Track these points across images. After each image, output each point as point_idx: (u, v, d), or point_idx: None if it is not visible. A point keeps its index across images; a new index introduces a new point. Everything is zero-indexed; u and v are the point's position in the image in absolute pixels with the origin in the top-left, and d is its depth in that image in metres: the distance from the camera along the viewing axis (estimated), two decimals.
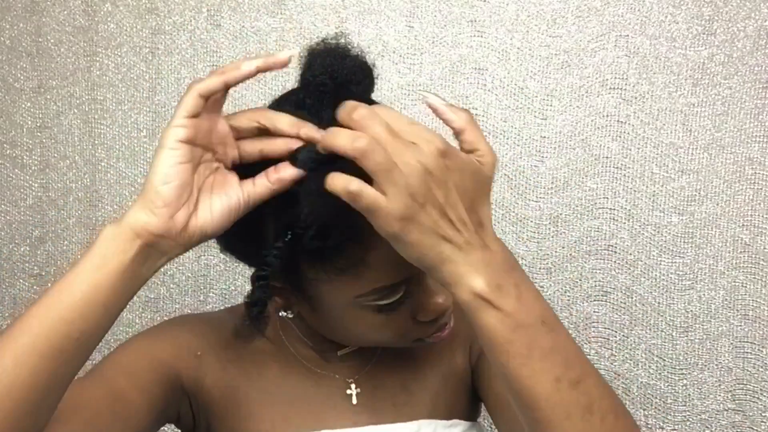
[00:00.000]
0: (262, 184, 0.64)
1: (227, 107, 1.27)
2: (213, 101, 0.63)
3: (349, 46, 0.69)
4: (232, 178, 0.65)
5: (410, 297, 0.71)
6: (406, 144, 0.57)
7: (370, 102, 0.68)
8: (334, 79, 0.67)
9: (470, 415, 0.87)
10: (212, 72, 0.63)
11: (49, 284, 1.23)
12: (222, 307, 1.22)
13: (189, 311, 1.23)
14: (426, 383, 0.84)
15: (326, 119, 0.64)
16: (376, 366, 0.84)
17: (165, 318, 1.22)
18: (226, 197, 0.64)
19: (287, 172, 0.64)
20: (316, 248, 0.64)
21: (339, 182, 0.58)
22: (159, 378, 0.77)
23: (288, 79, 1.18)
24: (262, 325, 0.69)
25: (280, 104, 0.69)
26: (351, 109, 0.59)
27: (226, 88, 0.63)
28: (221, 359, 0.82)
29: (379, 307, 0.70)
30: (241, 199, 0.64)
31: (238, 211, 0.64)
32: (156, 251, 0.61)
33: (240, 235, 0.67)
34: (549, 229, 1.18)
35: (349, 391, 0.82)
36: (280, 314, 0.79)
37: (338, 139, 0.58)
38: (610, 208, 1.17)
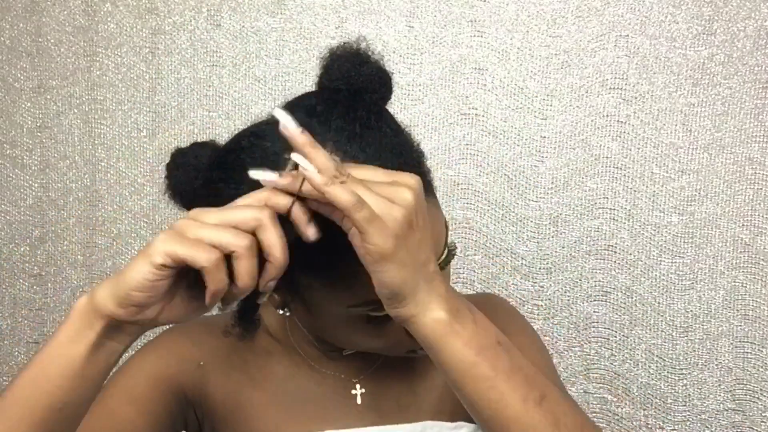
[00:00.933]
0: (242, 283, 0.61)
1: (227, 107, 1.27)
2: None
3: (370, 52, 0.68)
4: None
5: None
6: (386, 200, 0.59)
7: (381, 112, 0.68)
8: (350, 85, 0.67)
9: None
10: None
11: (49, 284, 1.23)
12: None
13: None
14: (432, 384, 0.84)
15: (335, 128, 0.64)
16: (382, 366, 0.83)
17: None
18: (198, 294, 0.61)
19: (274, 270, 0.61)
20: (310, 261, 0.64)
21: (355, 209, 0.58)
22: (162, 396, 0.78)
23: (288, 80, 1.18)
24: (251, 331, 0.69)
25: (293, 108, 0.67)
26: (334, 175, 0.59)
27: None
28: (224, 366, 0.82)
29: (372, 318, 0.70)
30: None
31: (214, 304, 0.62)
32: (122, 332, 0.61)
33: None
34: (549, 229, 1.18)
35: (354, 391, 0.82)
36: (279, 312, 0.78)
37: (337, 197, 0.58)
38: (610, 208, 1.17)
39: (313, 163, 0.58)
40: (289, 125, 0.60)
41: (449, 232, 0.72)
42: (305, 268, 0.66)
